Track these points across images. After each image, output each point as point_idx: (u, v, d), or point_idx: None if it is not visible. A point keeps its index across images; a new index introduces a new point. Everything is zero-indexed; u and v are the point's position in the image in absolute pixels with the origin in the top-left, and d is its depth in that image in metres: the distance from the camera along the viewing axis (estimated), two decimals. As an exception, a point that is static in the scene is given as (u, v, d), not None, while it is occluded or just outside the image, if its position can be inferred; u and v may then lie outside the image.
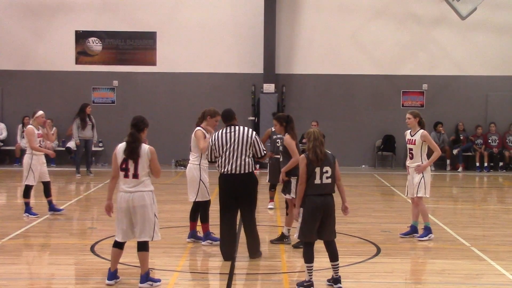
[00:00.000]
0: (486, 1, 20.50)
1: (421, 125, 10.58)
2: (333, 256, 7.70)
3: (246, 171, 9.01)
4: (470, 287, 7.94)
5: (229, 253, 9.08)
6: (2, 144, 21.59)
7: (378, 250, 9.75)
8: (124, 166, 7.65)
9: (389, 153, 22.13)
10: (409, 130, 10.71)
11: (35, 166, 12.14)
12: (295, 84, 22.07)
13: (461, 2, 19.96)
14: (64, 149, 21.03)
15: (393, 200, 15.60)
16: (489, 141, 21.77)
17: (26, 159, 12.22)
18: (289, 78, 22.04)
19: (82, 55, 22.09)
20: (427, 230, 10.54)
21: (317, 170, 7.63)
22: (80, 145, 19.03)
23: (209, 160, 9.29)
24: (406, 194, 10.91)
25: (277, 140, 12.50)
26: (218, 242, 9.76)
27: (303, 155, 7.77)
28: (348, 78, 22.12)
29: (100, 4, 22.06)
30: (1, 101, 22.01)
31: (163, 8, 22.03)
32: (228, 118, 9.28)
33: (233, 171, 8.98)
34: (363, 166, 22.14)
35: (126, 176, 7.65)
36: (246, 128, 9.20)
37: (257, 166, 19.20)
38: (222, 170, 9.05)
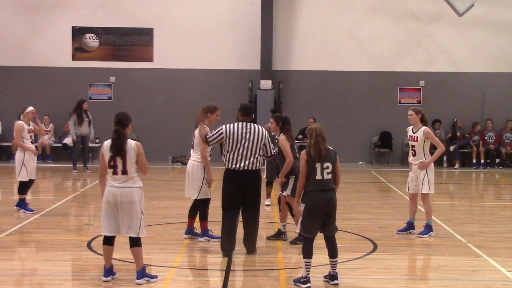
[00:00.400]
0: (483, -2, 20.54)
1: (423, 121, 10.52)
2: (333, 252, 7.70)
3: (256, 168, 9.05)
4: (466, 283, 7.95)
5: (230, 249, 9.08)
6: (-1, 140, 21.60)
7: (375, 247, 9.76)
8: (112, 163, 7.62)
9: (385, 149, 22.15)
10: (411, 127, 10.63)
11: (27, 162, 12.12)
12: (292, 80, 22.07)
13: (458, -2, 20.00)
14: (61, 145, 21.03)
15: (390, 196, 15.62)
16: (486, 137, 21.79)
17: (18, 154, 12.20)
18: (286, 75, 22.03)
19: (79, 51, 22.05)
20: (428, 228, 10.53)
21: (318, 166, 7.63)
22: (77, 141, 19.01)
23: (209, 141, 9.04)
24: (407, 190, 10.87)
25: (276, 138, 12.48)
26: (215, 240, 9.78)
27: (303, 151, 7.77)
28: (345, 75, 22.13)
29: (96, 0, 22.02)
30: (-3, 97, 22.00)
31: (160, 4, 22.00)
32: (248, 113, 9.27)
33: (246, 168, 8.95)
34: (360, 162, 22.16)
35: (115, 173, 7.62)
36: (259, 126, 9.19)
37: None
38: (233, 166, 8.98)
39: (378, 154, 22.28)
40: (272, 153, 9.22)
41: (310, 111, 20.96)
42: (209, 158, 9.73)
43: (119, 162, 7.60)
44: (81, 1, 21.97)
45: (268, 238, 10.14)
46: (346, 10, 22.05)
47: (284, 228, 10.13)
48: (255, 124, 9.21)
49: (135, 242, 7.71)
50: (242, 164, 8.97)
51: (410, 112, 10.61)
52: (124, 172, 7.61)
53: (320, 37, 22.03)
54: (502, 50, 22.07)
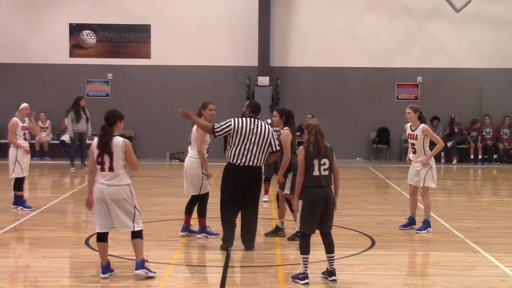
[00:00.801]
0: (481, -6, 20.53)
1: (422, 119, 10.51)
2: (329, 248, 7.71)
3: (260, 165, 9.06)
4: (464, 279, 7.96)
5: (230, 243, 9.10)
6: (-4, 137, 21.56)
7: (373, 243, 9.77)
8: (100, 160, 7.65)
9: (383, 145, 22.15)
10: (409, 124, 10.63)
11: (21, 158, 12.11)
12: (289, 77, 22.06)
13: (455, -6, 20.00)
14: (58, 142, 21.01)
15: (388, 192, 15.62)
16: (484, 133, 21.81)
17: (11, 151, 12.20)
18: (283, 71, 22.03)
19: (76, 48, 22.02)
20: (426, 224, 10.53)
21: (315, 162, 7.64)
22: (75, 138, 19.00)
23: (216, 131, 8.94)
24: (406, 181, 10.87)
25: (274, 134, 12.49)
26: (214, 236, 9.77)
27: (301, 147, 7.77)
28: (343, 71, 22.12)
29: (94, -4, 22.01)
30: (-6, 94, 21.96)
31: (157, 1, 21.98)
32: (256, 111, 9.27)
33: (250, 163, 8.96)
34: (358, 158, 22.17)
35: (102, 169, 7.66)
36: (265, 124, 9.22)
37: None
38: (238, 161, 8.96)
39: (376, 150, 22.29)
40: (277, 149, 9.22)
41: (308, 107, 20.96)
42: (206, 155, 9.72)
43: (106, 159, 7.63)
44: (78, -2, 21.96)
45: (266, 235, 10.14)
46: (344, 6, 22.04)
47: (282, 225, 10.13)
48: (262, 121, 9.23)
49: (137, 234, 7.73)
50: (248, 160, 8.95)
51: (408, 110, 10.60)
52: (111, 169, 7.63)
53: (318, 33, 22.02)
54: (499, 46, 22.08)
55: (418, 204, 10.90)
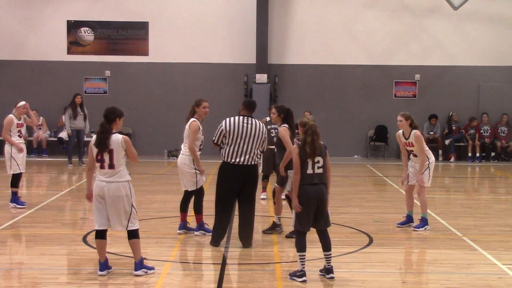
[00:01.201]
0: (479, -9, 20.53)
1: (412, 126, 10.55)
2: (326, 246, 7.72)
3: (254, 163, 9.08)
4: (461, 277, 7.97)
5: (220, 239, 9.13)
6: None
7: (371, 240, 9.77)
8: (99, 157, 7.64)
9: (381, 143, 22.16)
10: (401, 131, 10.67)
11: (15, 155, 12.11)
12: (287, 74, 22.05)
13: (453, -8, 20.00)
14: (56, 139, 20.99)
15: (386, 190, 15.63)
16: (481, 131, 21.82)
17: (6, 148, 12.20)
18: (281, 68, 22.01)
19: (74, 45, 21.98)
20: (424, 222, 10.55)
21: (309, 160, 7.64)
22: (72, 135, 18.99)
23: (216, 142, 9.12)
24: (406, 183, 10.87)
25: (272, 131, 12.51)
26: (211, 233, 9.77)
27: (295, 145, 7.78)
28: (341, 69, 22.11)
29: (91, -7, 21.97)
30: (-8, 91, 21.92)
31: (155, -3, 21.96)
32: (250, 108, 9.24)
33: (245, 162, 8.98)
34: (356, 156, 22.17)
35: (102, 167, 7.65)
36: (259, 122, 9.23)
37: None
38: (232, 160, 8.99)
39: (373, 148, 22.30)
40: (265, 149, 9.31)
41: (306, 105, 20.92)
42: (199, 153, 9.74)
43: (106, 156, 7.62)
44: (76, -5, 21.92)
45: (264, 232, 10.15)
46: (342, 3, 22.02)
47: (279, 221, 10.14)
48: (256, 119, 9.21)
49: (133, 234, 7.73)
50: (242, 159, 8.97)
51: (399, 117, 10.65)
52: (111, 166, 7.63)
53: (316, 30, 22.00)
54: (497, 44, 22.08)
55: (415, 201, 10.91)
